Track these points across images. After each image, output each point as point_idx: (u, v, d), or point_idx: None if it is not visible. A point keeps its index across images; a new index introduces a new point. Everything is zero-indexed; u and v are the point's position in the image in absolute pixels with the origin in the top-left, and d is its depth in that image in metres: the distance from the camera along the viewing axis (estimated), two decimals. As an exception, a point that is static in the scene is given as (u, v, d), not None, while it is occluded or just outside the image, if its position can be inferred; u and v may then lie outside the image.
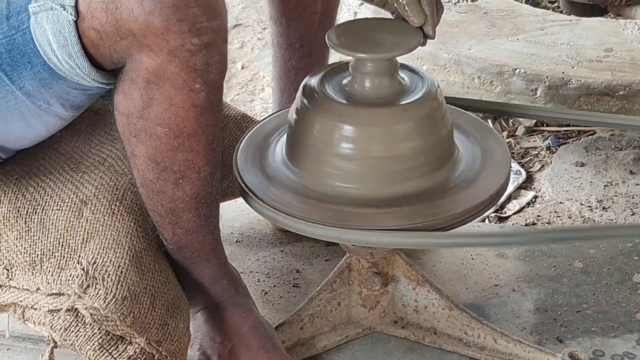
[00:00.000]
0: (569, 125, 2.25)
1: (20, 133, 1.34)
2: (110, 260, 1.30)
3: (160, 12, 1.15)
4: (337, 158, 1.37)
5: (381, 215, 1.35)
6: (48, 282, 1.31)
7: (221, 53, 1.22)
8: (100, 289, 1.28)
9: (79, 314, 1.31)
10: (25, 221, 1.35)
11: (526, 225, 1.97)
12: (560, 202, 2.01)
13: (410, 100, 1.38)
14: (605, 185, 2.04)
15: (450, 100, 1.53)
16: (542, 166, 2.15)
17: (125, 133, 1.28)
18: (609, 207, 1.97)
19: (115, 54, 1.21)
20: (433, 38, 1.39)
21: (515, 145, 2.23)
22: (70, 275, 1.30)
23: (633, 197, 1.99)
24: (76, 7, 1.19)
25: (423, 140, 1.38)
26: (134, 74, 1.22)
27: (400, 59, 1.41)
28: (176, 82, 1.21)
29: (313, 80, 1.42)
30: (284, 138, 1.48)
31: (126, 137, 1.29)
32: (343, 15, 2.35)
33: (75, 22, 1.19)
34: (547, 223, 1.97)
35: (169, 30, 1.16)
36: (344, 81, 1.42)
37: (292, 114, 1.43)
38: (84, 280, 1.29)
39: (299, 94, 1.42)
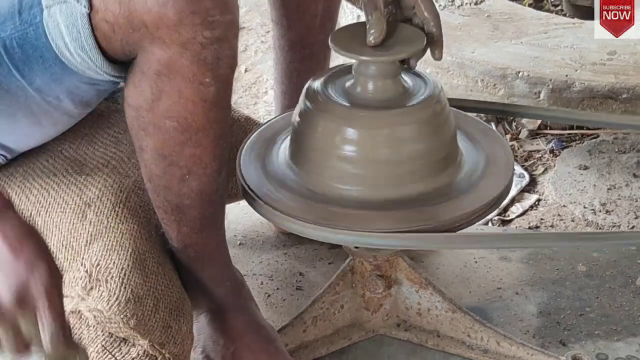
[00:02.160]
0: (572, 128, 2.25)
1: (28, 131, 1.34)
2: (114, 263, 1.30)
3: (174, 3, 1.14)
4: (341, 161, 1.37)
5: (383, 217, 1.35)
6: (51, 284, 1.31)
7: (232, 48, 1.21)
8: (103, 291, 1.28)
9: (82, 316, 1.30)
10: (29, 223, 1.34)
11: (529, 228, 1.96)
12: (564, 206, 2.01)
13: (413, 103, 1.38)
14: (608, 189, 2.03)
15: (454, 102, 1.53)
16: (546, 169, 2.15)
17: (134, 126, 1.28)
18: (612, 211, 1.97)
19: (128, 46, 1.20)
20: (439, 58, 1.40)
21: (518, 149, 2.22)
22: (74, 277, 1.30)
23: (636, 201, 1.99)
24: None
25: (426, 143, 1.38)
26: (145, 66, 1.21)
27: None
28: (186, 75, 1.20)
29: (316, 83, 1.42)
30: (287, 140, 1.48)
31: (134, 130, 1.28)
32: (347, 19, 2.35)
33: (89, 14, 1.18)
34: (551, 226, 1.96)
35: (181, 22, 1.15)
36: (347, 84, 1.42)
37: (295, 117, 1.43)
38: (88, 282, 1.29)
39: (302, 96, 1.42)
